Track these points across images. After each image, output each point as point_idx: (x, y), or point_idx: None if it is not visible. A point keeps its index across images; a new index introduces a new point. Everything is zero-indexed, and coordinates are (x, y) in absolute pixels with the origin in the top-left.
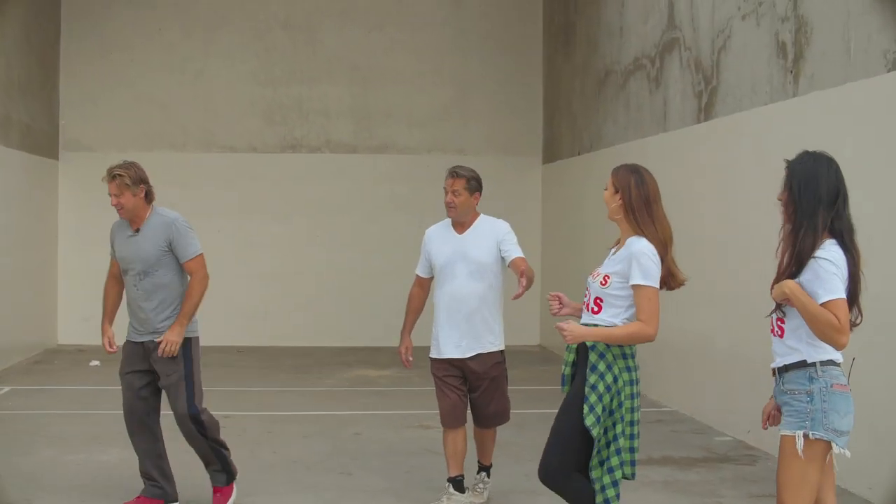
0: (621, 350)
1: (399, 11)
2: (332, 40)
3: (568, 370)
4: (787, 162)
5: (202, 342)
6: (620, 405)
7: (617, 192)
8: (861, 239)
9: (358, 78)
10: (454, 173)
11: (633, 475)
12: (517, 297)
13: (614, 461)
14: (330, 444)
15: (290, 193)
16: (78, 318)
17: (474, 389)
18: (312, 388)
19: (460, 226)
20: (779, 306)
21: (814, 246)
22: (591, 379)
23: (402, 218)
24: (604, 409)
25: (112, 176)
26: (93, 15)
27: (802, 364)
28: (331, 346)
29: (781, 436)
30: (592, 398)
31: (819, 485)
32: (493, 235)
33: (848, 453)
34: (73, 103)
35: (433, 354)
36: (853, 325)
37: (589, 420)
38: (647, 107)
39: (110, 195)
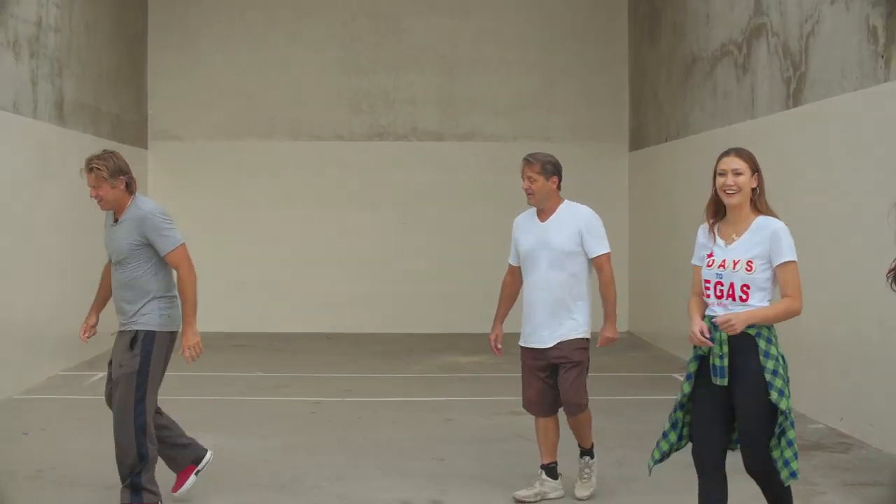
0: (775, 331)
1: (484, 1)
2: (418, 29)
3: (726, 362)
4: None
5: (290, 329)
6: (788, 381)
7: (754, 172)
8: None
9: (444, 66)
10: (527, 160)
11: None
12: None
13: (791, 434)
14: (421, 430)
15: (376, 182)
16: None
17: (560, 373)
18: (402, 375)
19: (543, 213)
20: None
21: None
22: (770, 365)
23: (489, 206)
24: (788, 388)
25: (89, 168)
26: (179, 5)
27: None
28: (419, 333)
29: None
30: (778, 383)
31: None
32: (575, 223)
33: None
34: (161, 93)
35: (520, 342)
36: None
37: (783, 404)
38: (734, 93)
39: (89, 187)
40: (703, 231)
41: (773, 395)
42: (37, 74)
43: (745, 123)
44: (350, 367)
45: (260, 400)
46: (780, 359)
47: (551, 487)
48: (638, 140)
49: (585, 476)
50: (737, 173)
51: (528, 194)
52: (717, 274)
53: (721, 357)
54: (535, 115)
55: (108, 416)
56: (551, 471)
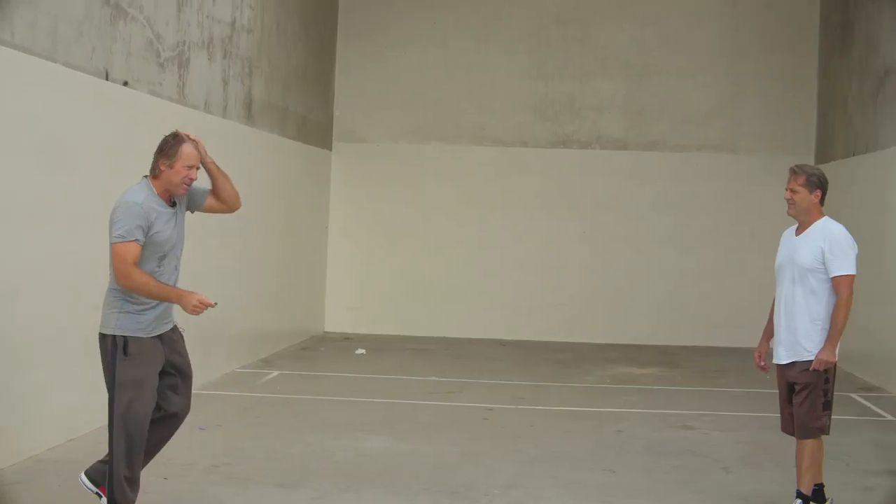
0: None
1: (673, 7)
2: (605, 35)
3: None
4: None
5: (464, 334)
6: None
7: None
8: None
9: (631, 74)
10: (793, 170)
11: None
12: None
13: None
14: (593, 441)
15: (558, 189)
16: (344, 307)
17: (793, 394)
18: (574, 384)
19: (801, 227)
20: None
21: None
22: None
23: (669, 217)
24: None
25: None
26: (370, 8)
27: None
28: (592, 343)
29: None
30: None
31: None
32: (822, 239)
33: None
34: (348, 95)
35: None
36: None
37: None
38: None
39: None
40: None
41: None
42: (228, 74)
43: None
44: (523, 374)
45: (433, 404)
46: None
47: None
48: (824, 153)
49: None
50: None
51: (789, 204)
52: None
53: None
54: (721, 124)
55: (282, 414)
56: (815, 494)
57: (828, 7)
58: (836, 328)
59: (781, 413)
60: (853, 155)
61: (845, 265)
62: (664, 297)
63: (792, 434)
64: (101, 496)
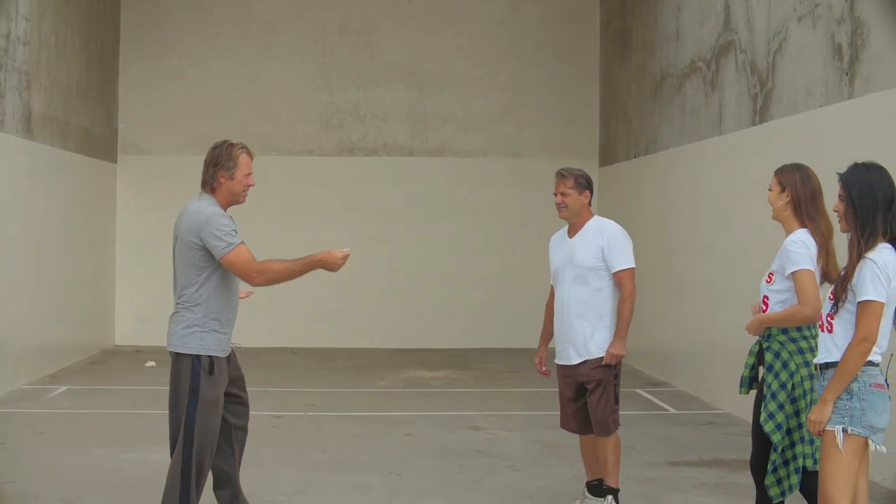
0: (797, 346)
1: (456, 16)
2: (390, 44)
3: (747, 372)
4: (840, 174)
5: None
6: (795, 400)
7: (784, 189)
8: None
9: (414, 82)
10: (561, 174)
11: (815, 463)
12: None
13: (798, 449)
14: (380, 445)
15: (346, 197)
16: (134, 320)
17: (585, 393)
18: (365, 390)
19: (573, 229)
20: (836, 303)
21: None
22: (769, 379)
23: (459, 221)
24: (780, 406)
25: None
26: (151, 20)
27: None
28: (385, 348)
29: (824, 430)
30: (772, 406)
31: (857, 476)
32: (598, 236)
33: (884, 449)
34: (132, 107)
35: (555, 360)
36: None
37: (768, 427)
38: (702, 110)
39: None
40: None
41: (762, 416)
42: (4, 87)
43: (712, 140)
44: (314, 381)
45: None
46: (786, 374)
47: None
48: (608, 156)
49: None
50: (769, 189)
51: (560, 208)
52: (761, 288)
53: (745, 367)
54: (505, 130)
55: (68, 429)
56: (593, 488)
57: (607, 15)
58: (623, 321)
59: (563, 411)
60: (634, 157)
61: (625, 259)
62: (455, 301)
63: (575, 431)
64: None
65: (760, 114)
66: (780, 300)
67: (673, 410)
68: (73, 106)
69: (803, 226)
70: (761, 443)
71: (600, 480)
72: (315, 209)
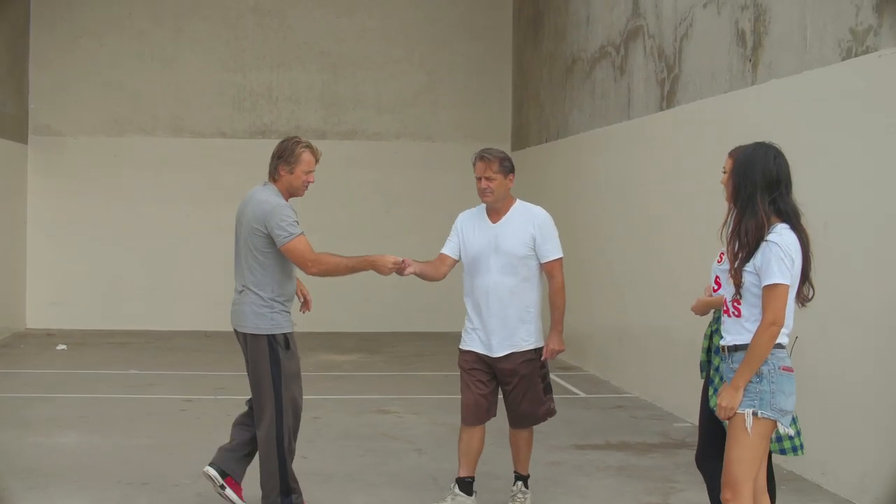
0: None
1: None
2: (302, 26)
3: (704, 356)
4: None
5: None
6: None
7: None
8: (816, 224)
9: (328, 64)
10: (484, 157)
11: (800, 447)
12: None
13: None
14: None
15: (259, 178)
16: (46, 303)
17: (505, 385)
18: None
19: (495, 213)
20: (738, 289)
21: (758, 229)
22: (715, 361)
23: (371, 204)
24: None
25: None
26: (63, 1)
27: None
28: (298, 332)
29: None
30: (717, 380)
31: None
32: (530, 224)
33: (791, 431)
34: (43, 88)
35: (461, 345)
36: (807, 300)
37: (712, 402)
38: (611, 95)
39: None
40: None
41: (710, 391)
42: None
43: (621, 124)
44: (226, 365)
45: (131, 398)
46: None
47: (461, 503)
48: (520, 140)
49: (519, 500)
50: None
51: (486, 193)
52: (715, 268)
53: (702, 351)
54: (418, 113)
55: None
56: (466, 485)
57: (520, 0)
58: (559, 313)
59: (473, 403)
60: (546, 141)
61: (557, 248)
62: (367, 285)
63: (473, 422)
64: (225, 488)
65: (668, 99)
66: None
67: (582, 394)
68: None
69: None
70: (709, 434)
71: (473, 479)
72: (227, 191)
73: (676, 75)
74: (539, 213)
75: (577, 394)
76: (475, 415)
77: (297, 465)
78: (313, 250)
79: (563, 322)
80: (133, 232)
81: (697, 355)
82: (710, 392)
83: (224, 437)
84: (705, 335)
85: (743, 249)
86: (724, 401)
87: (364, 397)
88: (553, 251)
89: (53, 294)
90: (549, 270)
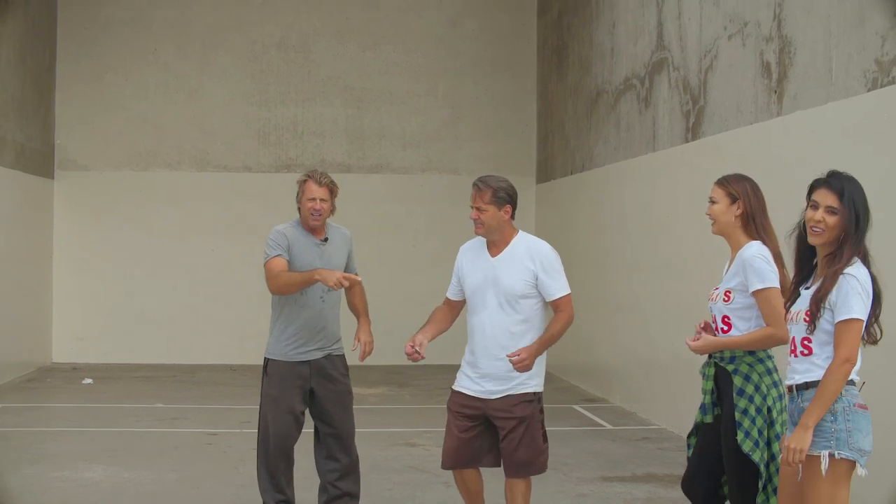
0: (765, 367)
1: (394, 32)
2: (327, 61)
3: (708, 399)
4: (826, 182)
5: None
6: (773, 423)
7: (735, 201)
8: None
9: (352, 98)
10: (477, 186)
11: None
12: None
13: (776, 480)
14: (314, 462)
15: (283, 214)
16: (72, 337)
17: (501, 431)
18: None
19: (494, 246)
20: (812, 322)
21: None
22: (741, 404)
23: (396, 238)
24: (759, 433)
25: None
26: (88, 35)
27: None
28: None
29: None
30: (746, 423)
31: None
32: (530, 261)
33: (866, 472)
34: (69, 123)
35: (454, 386)
36: (875, 341)
37: (746, 446)
38: (636, 127)
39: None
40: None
41: (739, 436)
42: None
43: (646, 156)
44: (252, 398)
45: (157, 431)
46: (759, 398)
47: None
48: (545, 172)
49: None
50: (712, 202)
51: (476, 225)
52: (710, 308)
53: (705, 393)
54: (443, 147)
55: (1, 448)
56: None
57: (544, 32)
58: (549, 335)
59: (454, 447)
60: (571, 174)
61: (563, 285)
62: (393, 318)
63: (457, 465)
64: None
65: (693, 131)
66: (745, 318)
67: (608, 426)
68: (9, 121)
69: (754, 238)
70: (704, 467)
71: None
72: (252, 225)
73: (701, 107)
74: (542, 247)
75: (603, 426)
76: (455, 459)
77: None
78: (281, 272)
79: (547, 345)
80: (158, 266)
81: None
82: (742, 436)
83: (250, 469)
84: (707, 375)
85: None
86: (793, 442)
87: (392, 430)
88: (559, 289)
89: (79, 328)
90: (556, 307)
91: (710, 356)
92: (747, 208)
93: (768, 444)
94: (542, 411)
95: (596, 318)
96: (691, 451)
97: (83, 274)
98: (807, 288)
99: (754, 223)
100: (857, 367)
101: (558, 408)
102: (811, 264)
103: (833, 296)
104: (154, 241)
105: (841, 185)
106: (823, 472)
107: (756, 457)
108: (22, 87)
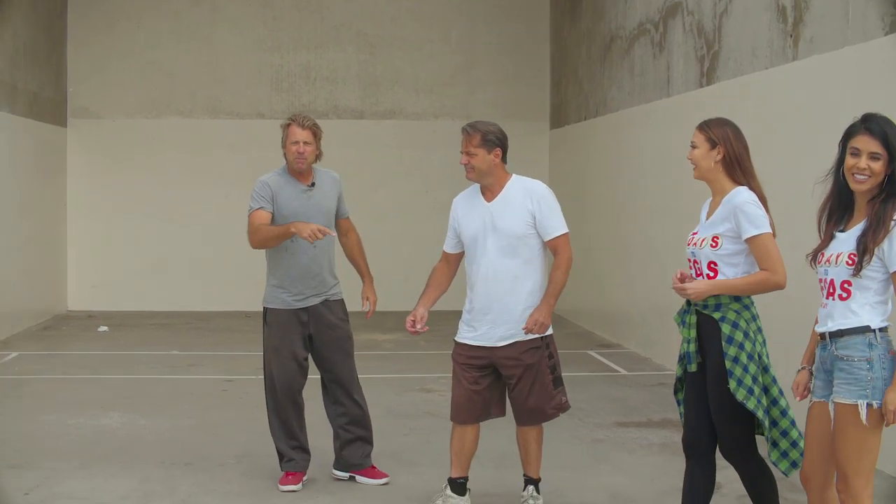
0: (751, 313)
1: None
2: (340, 6)
3: (693, 346)
4: (865, 126)
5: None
6: (767, 368)
7: (714, 146)
8: None
9: (365, 44)
10: (465, 131)
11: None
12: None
13: (784, 423)
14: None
15: None
16: (87, 285)
17: (509, 379)
18: None
19: (489, 191)
20: (859, 265)
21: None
22: (731, 352)
23: (409, 184)
24: (753, 380)
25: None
26: None
27: (863, 330)
28: None
29: (837, 403)
30: (738, 371)
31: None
32: (527, 201)
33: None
34: (81, 71)
35: (456, 337)
36: None
37: (740, 394)
38: (650, 72)
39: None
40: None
41: (732, 385)
42: None
43: (661, 102)
44: None
45: (173, 378)
46: (749, 345)
47: None
48: (559, 118)
49: None
50: (693, 146)
51: (467, 170)
52: (692, 253)
53: (689, 342)
54: (456, 92)
55: (18, 395)
56: (458, 486)
57: None
58: (555, 287)
59: (465, 399)
60: (585, 119)
61: (561, 223)
62: (404, 264)
63: (467, 420)
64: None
65: (707, 76)
66: (732, 264)
67: (623, 372)
68: (21, 70)
69: (738, 183)
70: (705, 418)
71: (466, 479)
72: (265, 172)
73: (716, 52)
74: (538, 187)
75: (618, 371)
76: (468, 412)
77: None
78: (260, 226)
79: (556, 297)
80: (172, 213)
81: None
82: (735, 385)
83: (265, 416)
84: (688, 323)
85: (879, 233)
86: (892, 403)
87: (407, 376)
88: (557, 227)
89: (94, 276)
90: (554, 247)
91: (689, 303)
92: (728, 153)
93: (765, 390)
94: (551, 356)
95: (611, 264)
96: (683, 406)
97: (97, 222)
98: (841, 230)
99: (740, 168)
100: (889, 313)
101: (573, 353)
102: (849, 209)
103: (886, 245)
104: (167, 188)
105: (882, 130)
106: (865, 422)
107: (751, 405)
108: (34, 36)
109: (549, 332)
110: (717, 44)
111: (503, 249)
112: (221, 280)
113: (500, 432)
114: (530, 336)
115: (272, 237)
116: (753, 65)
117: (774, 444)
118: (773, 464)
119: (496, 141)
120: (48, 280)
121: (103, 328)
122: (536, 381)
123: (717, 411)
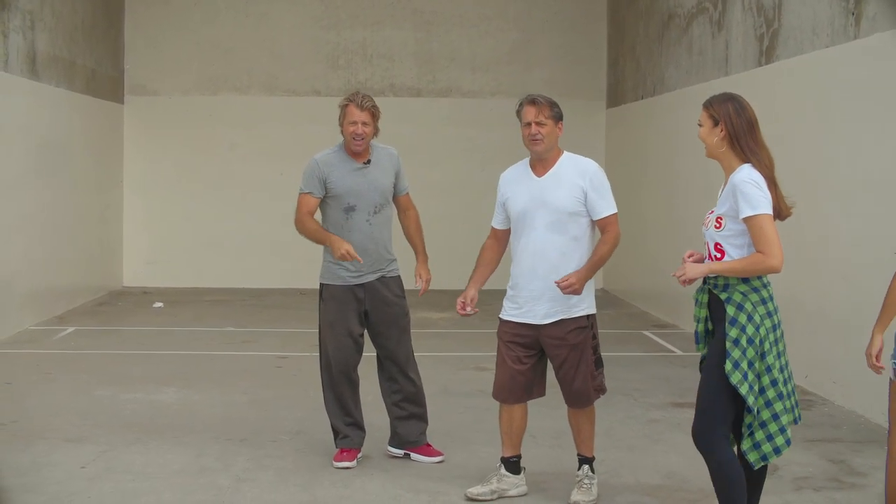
0: (759, 297)
1: None
2: None
3: (701, 326)
4: None
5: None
6: (764, 355)
7: (717, 123)
8: None
9: (421, 21)
10: (535, 101)
11: (799, 417)
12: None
13: (777, 407)
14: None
15: None
16: (142, 261)
17: (554, 359)
18: None
19: (541, 166)
20: None
21: None
22: (732, 333)
23: (466, 162)
24: (750, 365)
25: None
26: None
27: None
28: None
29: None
30: (736, 354)
31: None
32: (578, 178)
33: None
34: (138, 48)
35: (501, 315)
36: None
37: (735, 377)
38: (709, 50)
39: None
40: None
41: (728, 366)
42: (8, 27)
43: (719, 80)
44: None
45: (227, 354)
46: (752, 328)
47: (511, 484)
48: (615, 96)
49: (584, 488)
50: (700, 125)
51: (535, 140)
52: (704, 234)
53: (698, 321)
54: (512, 70)
55: (74, 370)
56: (512, 465)
57: None
58: (598, 257)
59: (508, 378)
60: (642, 98)
61: (611, 203)
62: (462, 242)
63: (512, 400)
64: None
65: (766, 54)
66: (737, 245)
67: (679, 352)
68: (79, 46)
69: (745, 161)
70: (714, 406)
71: (519, 457)
72: (320, 150)
73: (776, 30)
74: (590, 165)
75: (673, 351)
76: (510, 392)
77: (384, 422)
78: (308, 212)
79: (595, 270)
80: (228, 190)
81: (796, 311)
82: (730, 366)
83: (319, 393)
84: (700, 303)
85: None
86: None
87: (462, 354)
88: (607, 207)
89: (149, 252)
90: (603, 226)
91: (704, 281)
92: (729, 130)
93: (759, 376)
94: (594, 336)
95: (666, 244)
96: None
97: (153, 198)
98: None
99: (739, 145)
100: None
101: (628, 333)
102: None
103: None
104: (223, 165)
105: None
106: None
107: (744, 389)
108: (92, 12)
109: (593, 310)
110: (776, 22)
111: (552, 225)
112: (276, 257)
113: (554, 411)
114: (578, 314)
115: (311, 237)
116: (814, 43)
117: (750, 434)
118: (743, 453)
119: (560, 114)
120: (104, 256)
121: (158, 304)
122: (581, 361)
123: (702, 391)
